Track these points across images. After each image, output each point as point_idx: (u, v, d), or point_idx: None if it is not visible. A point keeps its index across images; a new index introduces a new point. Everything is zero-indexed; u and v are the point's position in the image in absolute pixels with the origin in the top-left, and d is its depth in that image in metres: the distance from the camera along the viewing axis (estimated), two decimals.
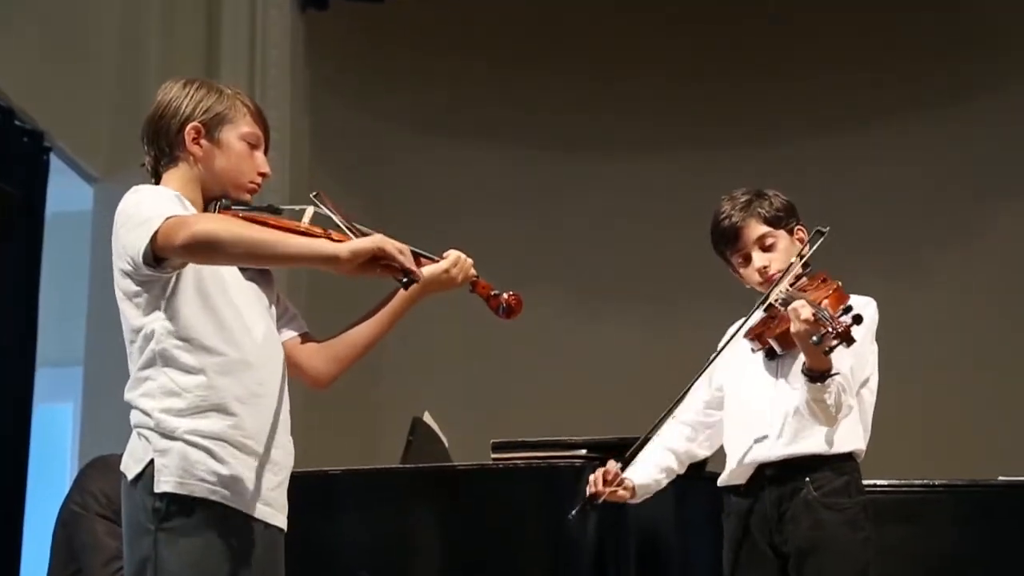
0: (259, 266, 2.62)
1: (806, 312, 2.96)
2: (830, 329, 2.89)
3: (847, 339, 2.89)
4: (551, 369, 7.62)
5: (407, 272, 2.48)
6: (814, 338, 2.91)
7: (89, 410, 6.09)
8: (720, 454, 3.42)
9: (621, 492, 3.24)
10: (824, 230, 3.20)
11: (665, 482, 3.38)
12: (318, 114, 7.36)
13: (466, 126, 7.89)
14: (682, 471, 3.43)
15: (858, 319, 2.90)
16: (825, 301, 3.01)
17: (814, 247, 3.21)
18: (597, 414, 6.42)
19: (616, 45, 7.98)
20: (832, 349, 2.93)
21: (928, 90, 7.59)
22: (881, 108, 7.64)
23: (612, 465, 3.21)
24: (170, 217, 2.42)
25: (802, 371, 3.09)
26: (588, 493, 3.20)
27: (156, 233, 2.40)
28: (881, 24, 7.66)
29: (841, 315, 2.92)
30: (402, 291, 2.72)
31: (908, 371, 6.50)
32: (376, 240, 2.46)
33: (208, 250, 2.41)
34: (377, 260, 2.45)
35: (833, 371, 3.04)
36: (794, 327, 2.99)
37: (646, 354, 7.54)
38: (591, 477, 3.22)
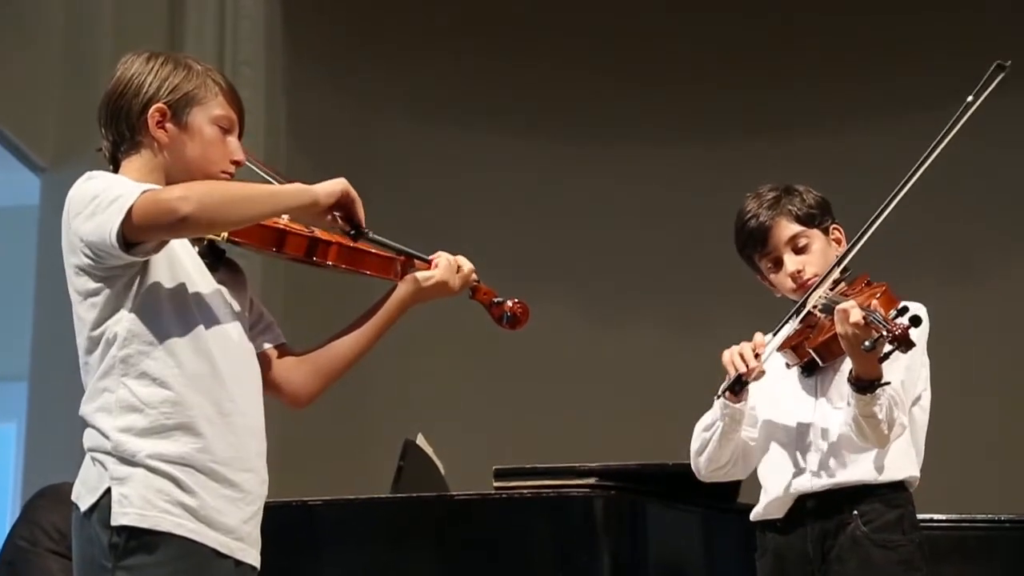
0: (256, 222, 2.64)
1: (856, 315, 2.95)
2: (884, 332, 2.87)
3: (905, 343, 2.87)
4: (560, 386, 7.61)
5: (359, 224, 2.66)
6: (866, 343, 2.90)
7: (35, 431, 6.09)
8: (753, 484, 3.41)
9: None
10: (1006, 64, 3.14)
11: (752, 430, 3.33)
12: (297, 95, 7.36)
13: (465, 111, 7.88)
14: (739, 456, 3.38)
15: (916, 320, 2.88)
16: (874, 302, 3.00)
17: (991, 86, 3.13)
18: (612, 437, 6.44)
19: (639, 20, 7.98)
20: (887, 356, 2.93)
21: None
22: (930, 96, 7.64)
23: (760, 336, 3.19)
24: (147, 191, 2.44)
25: (848, 380, 3.08)
26: (738, 371, 3.14)
27: (131, 210, 2.40)
28: (927, 11, 7.68)
29: (896, 317, 2.90)
30: (393, 297, 2.78)
31: (967, 389, 6.50)
32: (342, 182, 2.65)
33: (216, 214, 2.47)
34: (339, 204, 2.63)
35: (884, 380, 3.03)
36: (841, 331, 2.98)
37: (668, 370, 7.52)
38: (730, 353, 3.17)
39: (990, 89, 3.17)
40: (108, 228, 2.42)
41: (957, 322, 6.32)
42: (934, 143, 3.19)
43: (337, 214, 2.64)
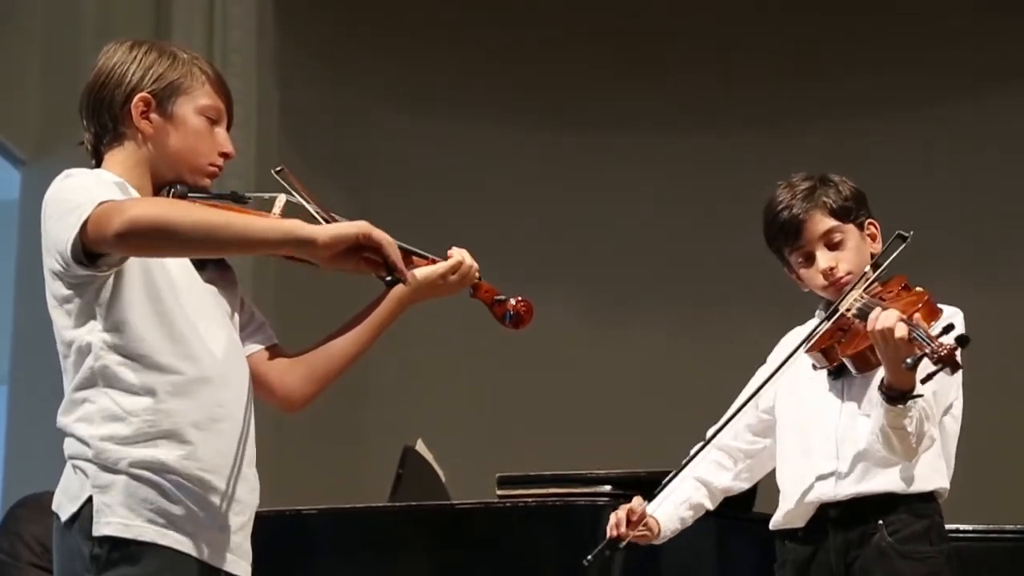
0: (216, 255, 2.61)
1: (901, 330, 2.91)
2: (929, 352, 2.83)
3: (951, 365, 2.82)
4: (566, 389, 7.61)
5: (393, 269, 2.51)
6: (908, 361, 2.87)
7: (15, 437, 6.09)
8: (772, 492, 3.40)
9: (647, 533, 3.25)
10: (907, 235, 3.14)
11: (691, 521, 3.37)
12: (290, 85, 7.36)
13: (465, 103, 7.88)
14: (714, 507, 3.42)
15: (963, 340, 2.83)
16: (917, 315, 2.96)
17: (892, 256, 3.17)
18: (621, 443, 6.43)
19: (641, 15, 7.99)
20: (931, 377, 2.88)
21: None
22: (960, 82, 7.64)
23: (638, 503, 3.21)
24: (104, 202, 2.40)
25: (879, 389, 3.05)
26: (609, 535, 3.19)
27: (86, 222, 2.39)
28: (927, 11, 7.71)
29: (941, 335, 2.85)
30: (390, 296, 2.75)
31: (1001, 394, 6.49)
32: (361, 225, 2.49)
33: (151, 237, 2.39)
34: (360, 249, 2.49)
35: (916, 392, 3.00)
36: (882, 346, 2.95)
37: (679, 372, 7.53)
38: (612, 516, 3.22)
39: (892, 257, 3.18)
40: (66, 239, 2.42)
41: (986, 326, 6.31)
42: (834, 305, 3.20)
43: (371, 256, 2.50)
